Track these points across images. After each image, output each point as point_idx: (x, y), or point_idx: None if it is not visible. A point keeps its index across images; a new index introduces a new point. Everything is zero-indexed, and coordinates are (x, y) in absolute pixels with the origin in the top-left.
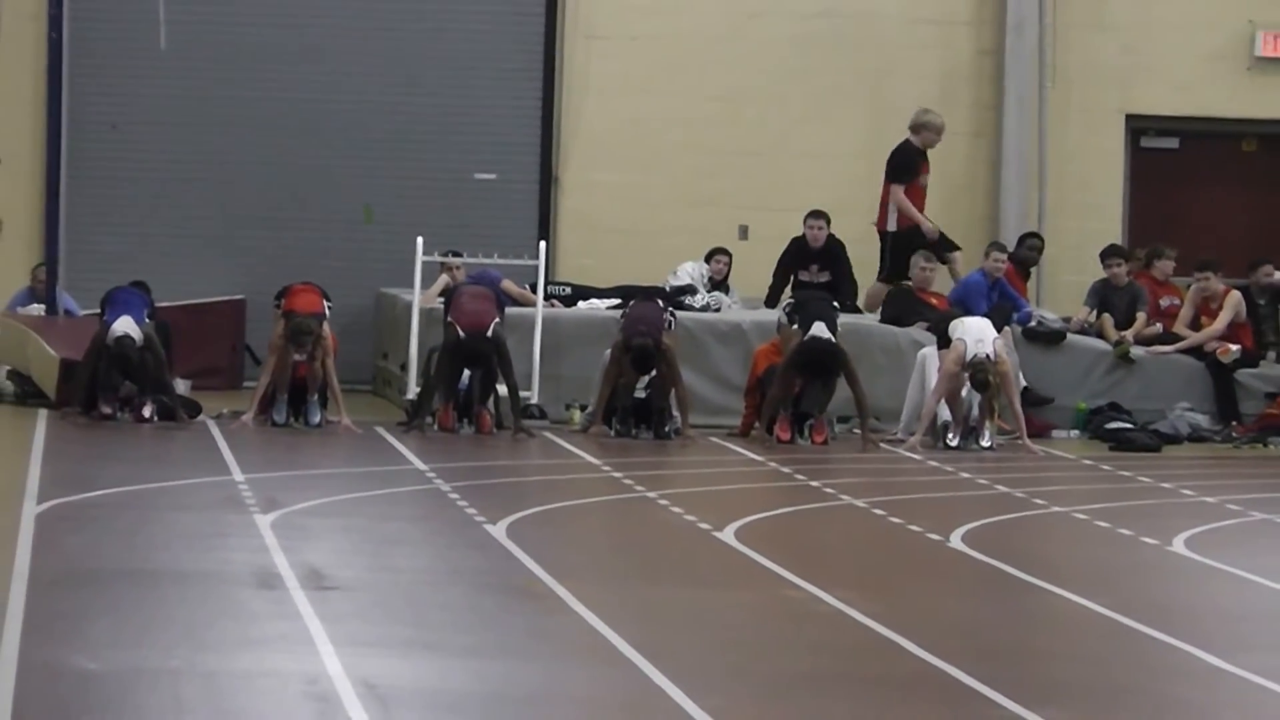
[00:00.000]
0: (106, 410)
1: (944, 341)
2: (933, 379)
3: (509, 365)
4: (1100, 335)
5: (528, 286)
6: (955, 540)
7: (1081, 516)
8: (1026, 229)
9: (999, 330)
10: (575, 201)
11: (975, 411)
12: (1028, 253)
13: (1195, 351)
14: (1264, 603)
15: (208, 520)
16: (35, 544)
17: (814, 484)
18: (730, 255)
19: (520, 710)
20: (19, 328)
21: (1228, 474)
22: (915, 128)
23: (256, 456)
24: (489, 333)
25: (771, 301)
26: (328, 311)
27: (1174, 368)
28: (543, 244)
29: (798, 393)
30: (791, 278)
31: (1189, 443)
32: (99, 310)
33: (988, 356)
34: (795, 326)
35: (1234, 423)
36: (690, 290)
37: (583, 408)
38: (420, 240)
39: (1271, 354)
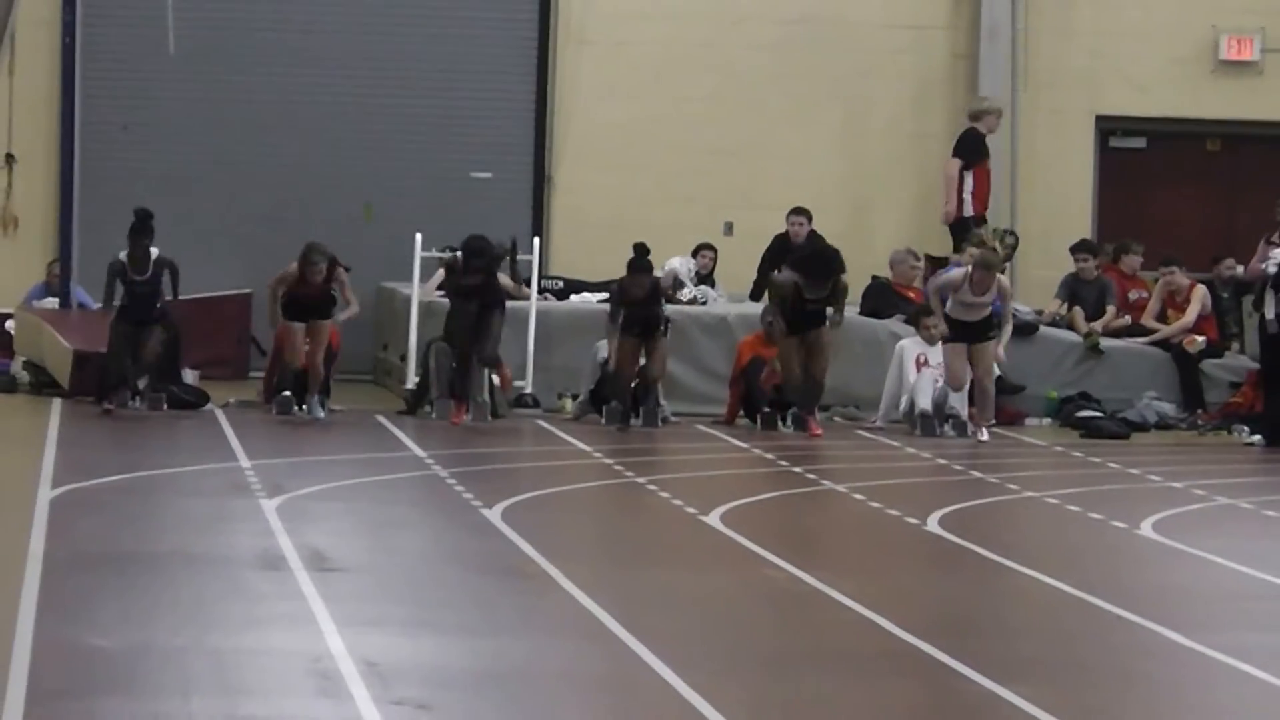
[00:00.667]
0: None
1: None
2: (910, 370)
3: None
4: (1071, 327)
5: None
6: (932, 523)
7: (1053, 501)
8: (1000, 226)
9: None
10: (567, 199)
11: (951, 400)
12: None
13: (1162, 343)
14: (1227, 583)
15: (215, 505)
16: (49, 527)
17: (796, 470)
18: (716, 250)
19: (513, 685)
20: (34, 320)
21: (1193, 460)
22: (977, 115)
23: (262, 444)
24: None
25: (756, 295)
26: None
27: (1141, 358)
28: (536, 240)
29: (779, 384)
30: (777, 271)
31: (1156, 430)
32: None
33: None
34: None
35: (1199, 411)
36: (677, 284)
37: (574, 397)
38: (419, 236)
39: (1235, 345)
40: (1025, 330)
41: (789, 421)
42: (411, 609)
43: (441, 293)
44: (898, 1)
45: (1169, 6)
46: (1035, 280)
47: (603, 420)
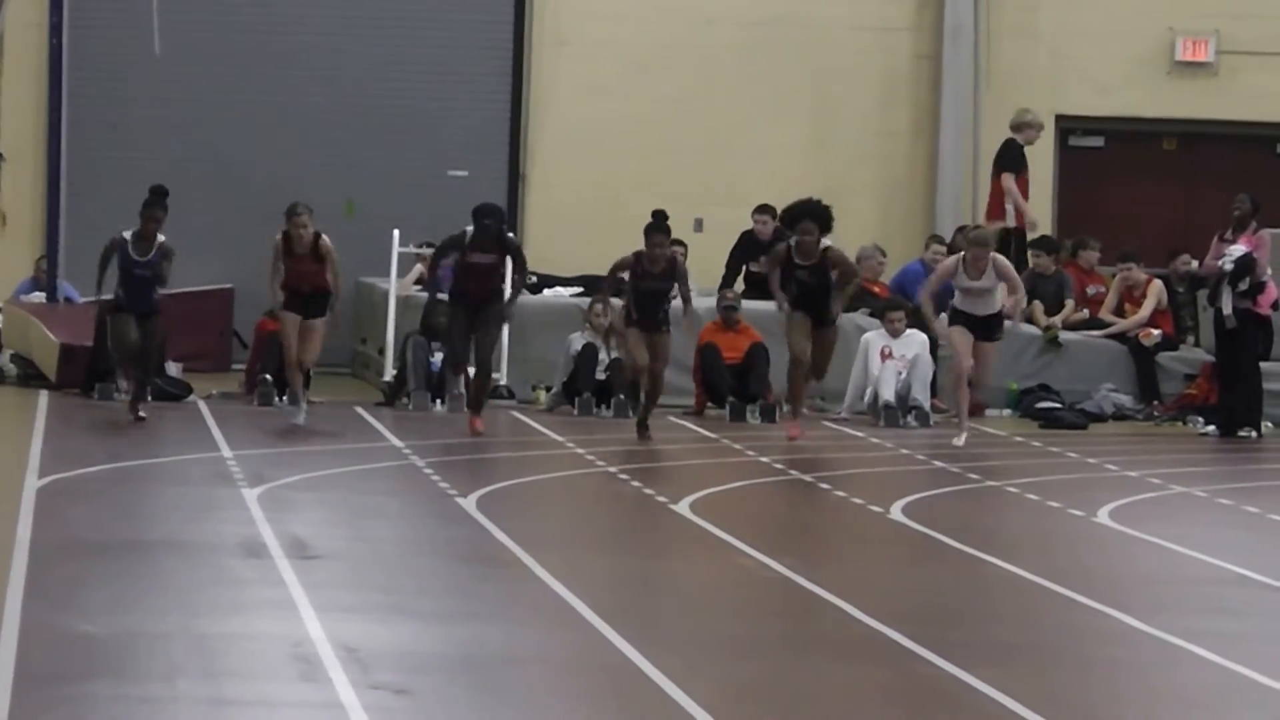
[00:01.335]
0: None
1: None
2: (875, 363)
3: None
4: (1031, 321)
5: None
6: (895, 512)
7: (1014, 490)
8: (962, 222)
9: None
10: (541, 197)
11: (914, 392)
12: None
13: (1119, 336)
14: (1182, 569)
15: (199, 494)
16: (36, 516)
17: (764, 460)
18: (686, 246)
19: (489, 671)
20: (22, 314)
21: (1149, 450)
22: (1018, 126)
23: (244, 434)
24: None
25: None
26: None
27: (1099, 351)
28: (511, 236)
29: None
30: (743, 268)
31: (1113, 421)
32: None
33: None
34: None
35: (1155, 402)
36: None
37: (548, 388)
38: (396, 233)
39: (1190, 338)
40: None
41: (758, 413)
42: (389, 596)
43: (419, 287)
44: (863, 3)
45: (1127, 9)
46: None
47: (575, 412)
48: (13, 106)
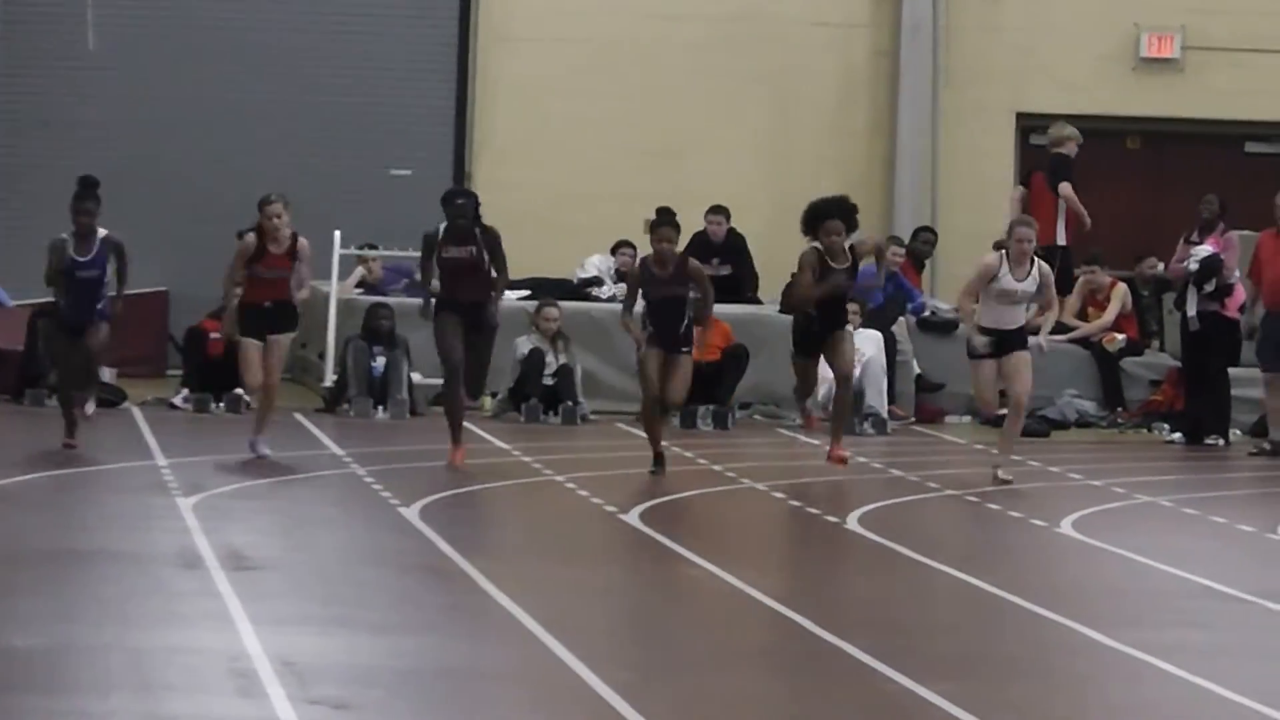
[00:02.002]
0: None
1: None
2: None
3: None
4: None
5: None
6: (852, 522)
7: (973, 499)
8: (921, 223)
9: (894, 320)
10: (487, 197)
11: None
12: (921, 246)
13: (1083, 341)
14: (1147, 581)
15: (133, 503)
16: None
17: (716, 468)
18: (635, 248)
19: (432, 684)
20: None
21: (1113, 458)
22: (1060, 141)
23: (179, 442)
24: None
25: None
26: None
27: (1062, 356)
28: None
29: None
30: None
31: (1076, 428)
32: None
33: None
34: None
35: (1119, 409)
36: (597, 282)
37: (494, 395)
38: (338, 234)
39: (1155, 343)
40: (945, 328)
41: (710, 419)
42: (329, 608)
43: (361, 290)
44: None
45: (1091, 4)
46: (955, 278)
47: (522, 419)
48: None
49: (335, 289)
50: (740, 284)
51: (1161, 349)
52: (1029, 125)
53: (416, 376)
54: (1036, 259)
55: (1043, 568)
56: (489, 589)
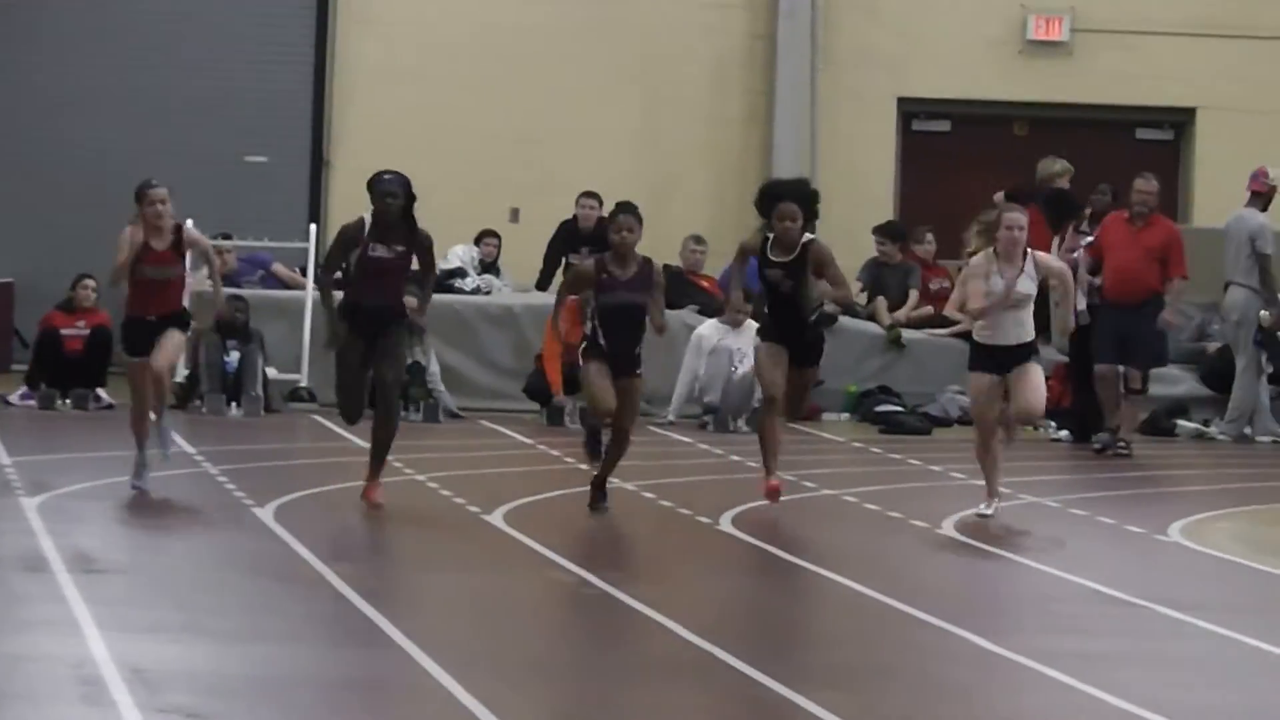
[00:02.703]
0: None
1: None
2: (703, 361)
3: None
4: (873, 318)
5: (298, 270)
6: (724, 523)
7: (851, 499)
8: None
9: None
10: (347, 185)
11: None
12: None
13: (966, 335)
14: (1032, 585)
15: None
16: None
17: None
18: (500, 238)
19: (287, 693)
20: None
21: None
22: (1055, 176)
23: (23, 439)
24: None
25: (543, 285)
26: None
27: (944, 351)
28: (313, 227)
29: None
30: (562, 260)
31: (959, 425)
32: None
33: None
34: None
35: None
36: (460, 274)
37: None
38: (190, 222)
39: (1042, 336)
40: (824, 321)
41: (577, 416)
42: (180, 613)
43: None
44: None
45: None
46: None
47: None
48: None
49: (188, 280)
50: None
51: (1048, 343)
52: (911, 111)
53: (272, 372)
54: (1031, 251)
55: (923, 571)
56: (347, 594)
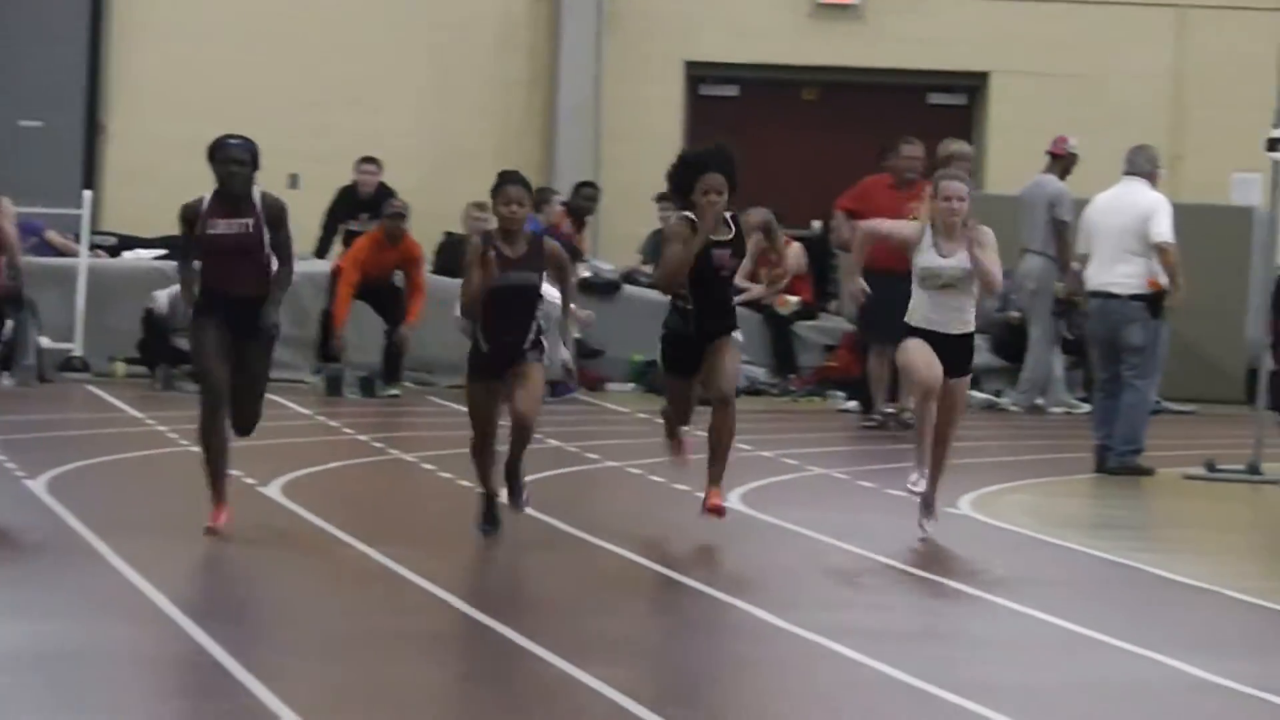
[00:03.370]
0: None
1: None
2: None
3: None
4: (656, 286)
5: (72, 237)
6: (503, 494)
7: (635, 471)
8: (583, 179)
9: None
10: (122, 150)
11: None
12: (583, 201)
13: (754, 303)
14: (820, 558)
15: None
16: None
17: (363, 438)
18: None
19: (59, 669)
20: None
21: (785, 428)
22: (947, 160)
23: None
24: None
25: (321, 252)
26: None
27: None
28: (87, 193)
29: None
30: (342, 228)
31: (746, 396)
32: None
33: None
34: None
35: (791, 375)
36: None
37: (127, 360)
38: None
39: (833, 304)
40: (607, 290)
41: (356, 387)
42: None
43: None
44: None
45: None
46: (621, 237)
47: (158, 385)
48: None
49: None
50: None
51: (837, 313)
52: (698, 75)
53: (45, 341)
54: (971, 224)
55: (709, 544)
56: (121, 567)
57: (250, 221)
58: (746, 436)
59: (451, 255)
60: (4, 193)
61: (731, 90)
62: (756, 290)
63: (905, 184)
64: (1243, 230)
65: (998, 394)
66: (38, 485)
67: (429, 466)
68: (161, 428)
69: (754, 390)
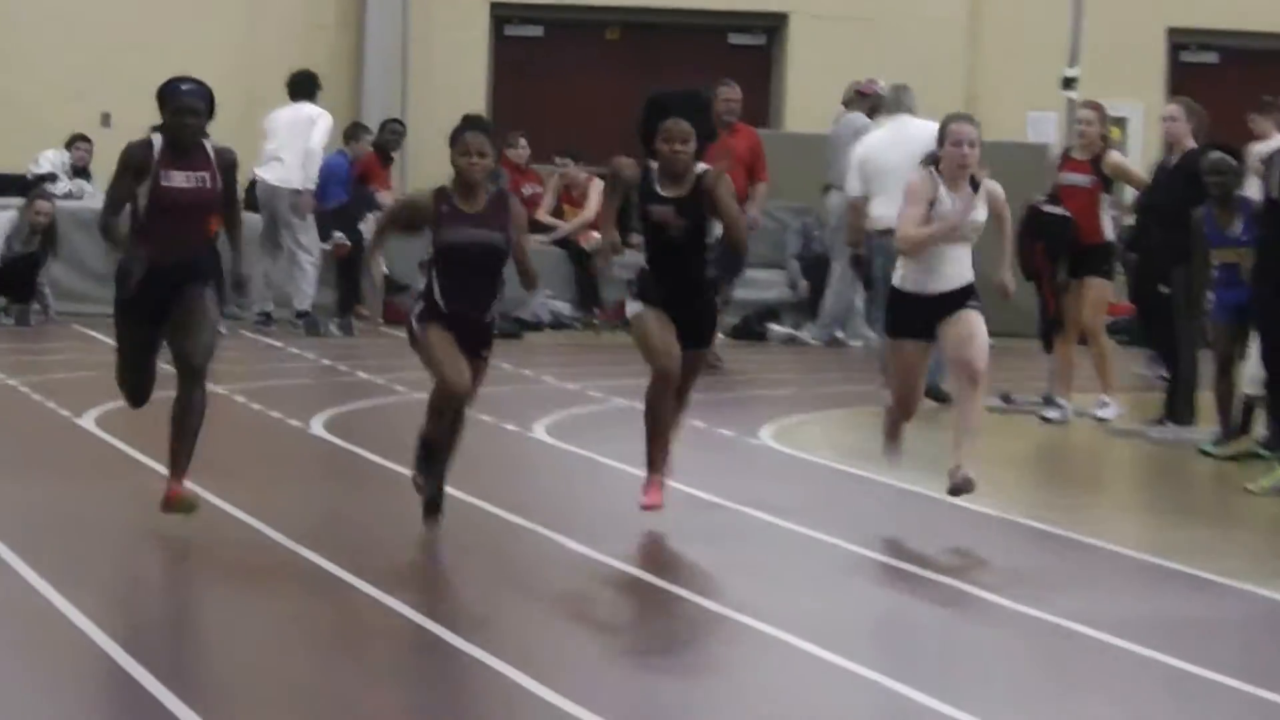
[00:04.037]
0: None
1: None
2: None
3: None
4: None
5: None
6: (316, 426)
7: None
8: (391, 115)
9: (360, 218)
10: None
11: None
12: (389, 137)
13: (559, 240)
14: (620, 487)
15: None
16: None
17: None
18: (92, 143)
19: None
20: None
21: (589, 361)
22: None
23: None
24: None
25: None
26: None
27: (536, 256)
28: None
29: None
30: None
31: (550, 330)
32: None
33: None
34: None
35: (596, 310)
36: (51, 178)
37: None
38: None
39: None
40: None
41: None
42: None
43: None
44: None
45: None
46: (429, 177)
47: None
48: None
49: None
50: None
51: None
52: (503, 15)
53: None
54: (979, 175)
55: (516, 475)
56: None
57: (206, 175)
58: (551, 369)
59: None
60: None
61: (536, 31)
62: (563, 227)
63: (724, 125)
64: (1038, 166)
65: (797, 327)
66: None
67: (240, 399)
68: None
69: (559, 324)
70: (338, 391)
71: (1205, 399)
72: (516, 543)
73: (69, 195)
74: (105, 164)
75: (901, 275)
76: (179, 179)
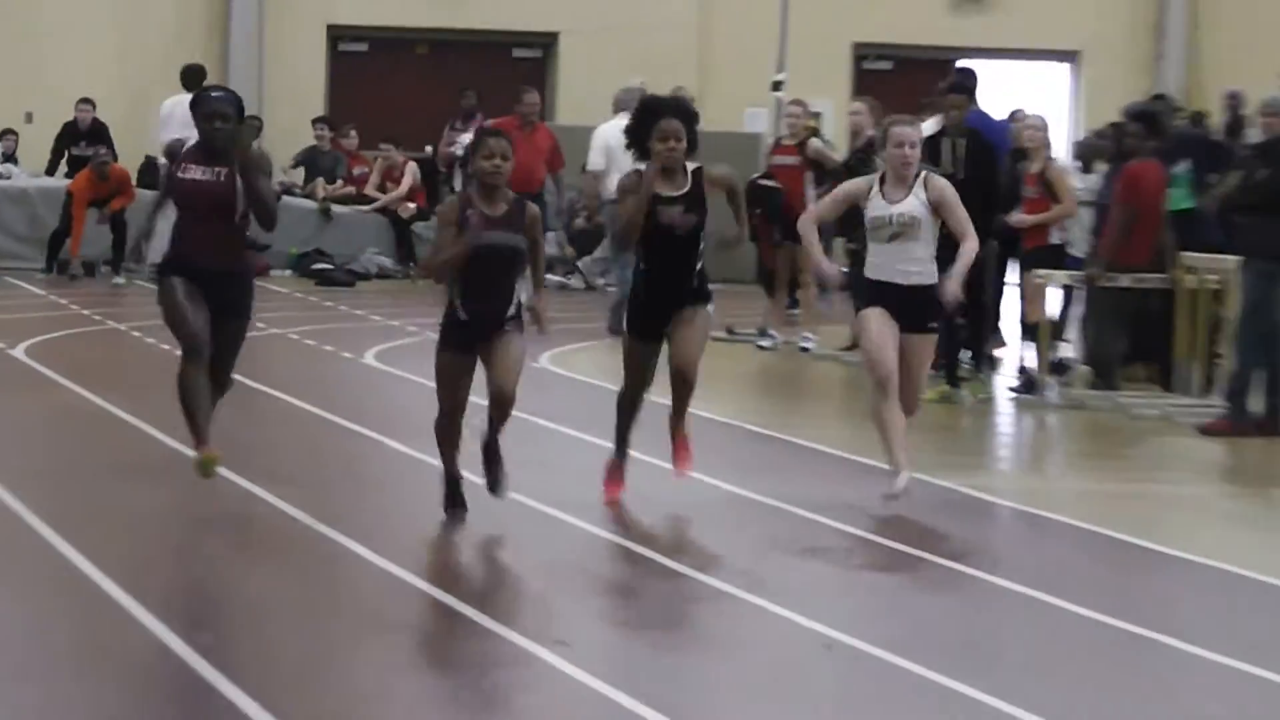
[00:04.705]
0: None
1: None
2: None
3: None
4: (309, 196)
5: None
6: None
7: (294, 337)
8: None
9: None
10: None
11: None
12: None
13: (382, 209)
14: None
15: None
16: None
17: (85, 312)
18: (17, 135)
19: None
20: None
21: (407, 304)
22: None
23: None
24: None
25: (51, 171)
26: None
27: (364, 222)
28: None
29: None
30: (67, 153)
31: (377, 279)
32: None
33: None
34: None
35: (411, 264)
36: None
37: None
38: None
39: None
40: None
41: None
42: None
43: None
44: None
45: None
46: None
47: None
48: None
49: None
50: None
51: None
52: (337, 35)
53: None
54: (927, 173)
55: (352, 392)
56: None
57: (224, 170)
58: (378, 310)
59: (152, 174)
60: None
61: (363, 47)
62: (384, 199)
63: (528, 124)
64: (752, 153)
65: (568, 275)
66: None
67: (136, 334)
68: None
69: (384, 275)
70: None
71: None
72: (355, 447)
73: (1, 176)
74: (30, 151)
75: (872, 260)
76: (195, 171)
